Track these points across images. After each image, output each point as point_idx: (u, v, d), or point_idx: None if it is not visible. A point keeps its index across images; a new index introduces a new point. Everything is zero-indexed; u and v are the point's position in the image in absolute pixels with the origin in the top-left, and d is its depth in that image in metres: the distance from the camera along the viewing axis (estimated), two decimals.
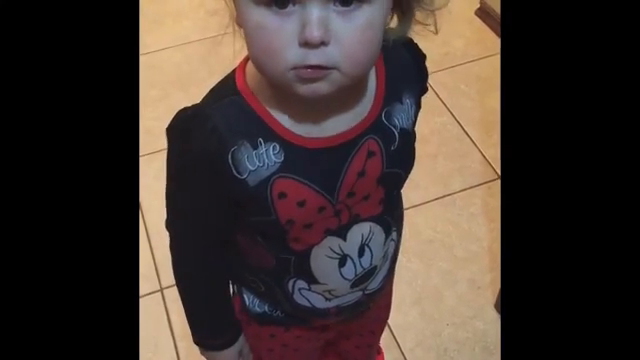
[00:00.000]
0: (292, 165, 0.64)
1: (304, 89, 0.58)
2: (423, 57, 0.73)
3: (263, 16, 0.56)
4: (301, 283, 0.75)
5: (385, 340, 1.07)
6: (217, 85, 0.68)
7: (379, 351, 1.15)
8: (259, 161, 0.64)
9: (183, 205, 0.71)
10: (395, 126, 0.68)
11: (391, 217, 0.75)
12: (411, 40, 0.71)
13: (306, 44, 0.55)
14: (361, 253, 0.73)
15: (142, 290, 1.45)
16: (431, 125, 1.77)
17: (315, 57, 0.56)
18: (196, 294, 0.80)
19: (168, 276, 1.47)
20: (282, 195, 0.65)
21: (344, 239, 0.71)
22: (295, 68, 0.56)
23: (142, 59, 2.00)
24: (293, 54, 0.56)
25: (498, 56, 1.85)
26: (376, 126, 0.67)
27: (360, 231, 0.72)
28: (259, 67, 0.60)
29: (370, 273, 0.76)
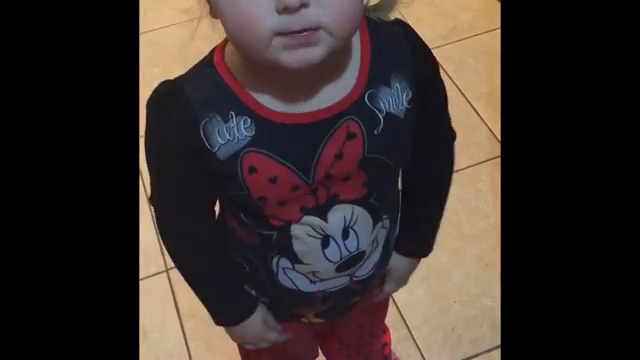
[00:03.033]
0: (263, 140, 0.63)
1: (293, 59, 0.56)
2: (418, 42, 0.70)
3: None
4: (285, 262, 0.74)
5: (392, 318, 1.07)
6: (198, 62, 0.68)
7: (385, 330, 1.15)
8: (229, 134, 0.63)
9: (161, 178, 0.72)
10: (380, 110, 0.66)
11: (379, 202, 0.73)
12: (407, 24, 0.70)
13: (285, 9, 0.53)
14: (345, 235, 0.72)
15: (148, 271, 1.45)
16: None
17: (296, 22, 0.54)
18: (195, 268, 0.79)
19: None
20: (252, 170, 0.64)
21: (325, 220, 0.70)
22: (279, 34, 0.55)
23: (144, 37, 1.99)
24: (272, 22, 0.54)
25: None
26: (357, 107, 0.65)
27: (342, 213, 0.70)
28: (240, 46, 0.59)
29: (357, 258, 0.75)
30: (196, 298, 1.40)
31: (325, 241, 0.71)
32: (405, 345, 1.32)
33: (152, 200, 0.76)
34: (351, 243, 0.73)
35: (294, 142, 0.64)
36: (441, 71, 1.48)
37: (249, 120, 0.63)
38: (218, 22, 0.60)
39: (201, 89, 0.64)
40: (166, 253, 1.55)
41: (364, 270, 0.77)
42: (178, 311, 1.40)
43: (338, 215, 0.70)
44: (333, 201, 0.69)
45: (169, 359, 1.34)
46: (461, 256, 1.45)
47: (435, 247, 1.45)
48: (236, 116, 0.63)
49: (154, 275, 1.46)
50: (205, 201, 0.75)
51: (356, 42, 0.66)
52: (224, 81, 0.64)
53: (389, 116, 0.66)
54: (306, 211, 0.69)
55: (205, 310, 1.38)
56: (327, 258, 0.73)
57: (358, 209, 0.71)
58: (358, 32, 0.65)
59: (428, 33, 1.98)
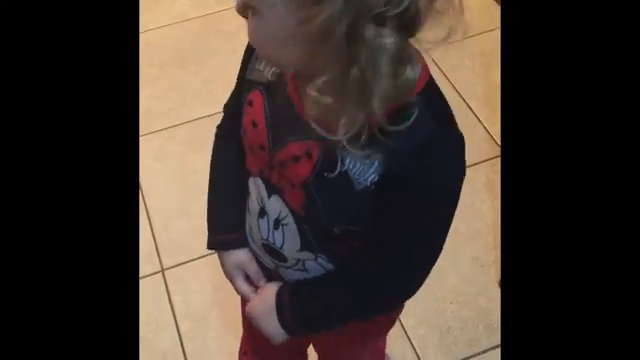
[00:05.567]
0: (272, 93, 0.70)
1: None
2: (433, 161, 0.63)
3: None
4: (244, 203, 0.80)
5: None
6: None
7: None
8: (264, 66, 0.71)
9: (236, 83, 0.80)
10: (343, 162, 0.64)
11: (315, 239, 0.72)
12: (453, 141, 0.66)
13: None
14: (276, 226, 0.75)
15: (143, 271, 1.45)
16: None
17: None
18: (216, 172, 0.85)
19: (169, 257, 1.48)
20: (250, 103, 0.72)
21: (268, 196, 0.74)
22: None
23: (140, 37, 1.98)
24: None
25: None
26: (330, 142, 0.61)
27: (279, 207, 0.73)
28: None
29: (280, 257, 0.77)
30: (191, 298, 1.41)
31: (261, 213, 0.76)
32: (401, 346, 1.32)
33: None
34: (277, 237, 0.76)
35: (285, 118, 0.68)
36: (438, 71, 1.44)
37: (277, 72, 0.69)
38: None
39: None
40: (162, 253, 1.56)
41: (288, 275, 0.78)
42: (173, 311, 1.40)
43: (276, 205, 0.74)
44: (278, 192, 0.73)
45: None
46: (457, 257, 1.45)
47: None
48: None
49: (149, 275, 1.45)
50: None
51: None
52: None
53: (344, 176, 0.64)
54: (260, 175, 0.74)
55: (200, 311, 1.38)
56: (259, 227, 0.77)
57: (290, 219, 0.73)
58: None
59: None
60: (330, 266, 0.76)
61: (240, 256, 0.82)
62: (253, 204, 0.77)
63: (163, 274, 1.46)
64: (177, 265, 1.46)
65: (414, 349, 1.32)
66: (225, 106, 0.84)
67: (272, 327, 0.77)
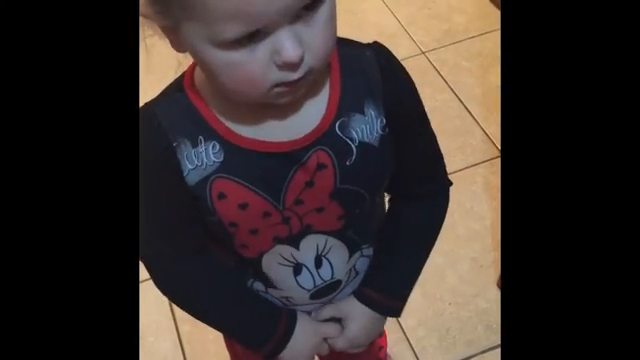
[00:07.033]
0: (232, 166, 0.63)
1: (285, 100, 0.58)
2: (391, 64, 0.67)
3: (231, 54, 0.54)
4: (259, 285, 0.74)
5: (387, 320, 1.06)
6: (168, 85, 0.67)
7: (381, 333, 1.14)
8: (198, 160, 0.62)
9: (149, 214, 0.67)
10: (352, 139, 0.64)
11: (358, 235, 0.72)
12: (381, 46, 0.67)
13: (286, 66, 0.54)
14: (318, 264, 0.71)
15: (143, 275, 1.44)
16: (432, 102, 1.75)
17: (295, 74, 0.55)
18: (209, 309, 0.74)
19: None
20: (222, 196, 0.64)
21: (297, 248, 0.69)
22: (277, 85, 0.56)
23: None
24: (273, 77, 0.55)
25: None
26: (328, 137, 0.63)
27: (315, 241, 0.69)
28: (236, 96, 0.59)
29: (333, 287, 0.74)
30: None
31: (297, 269, 0.71)
32: (400, 347, 1.32)
33: (143, 251, 0.70)
34: (325, 272, 0.72)
35: (264, 169, 0.63)
36: (436, 74, 1.46)
37: (218, 145, 0.62)
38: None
39: (171, 114, 0.63)
40: None
41: (342, 297, 0.77)
42: (173, 314, 1.40)
43: (310, 243, 0.70)
44: (307, 231, 0.68)
45: None
46: (456, 258, 1.46)
47: None
48: (205, 141, 0.62)
49: (149, 279, 1.45)
50: (198, 232, 0.70)
51: (325, 69, 0.64)
52: (193, 106, 0.63)
53: (363, 145, 0.64)
54: (278, 241, 0.68)
55: None
56: (300, 285, 0.73)
57: (332, 240, 0.70)
58: None
59: (423, 36, 1.99)
60: (369, 250, 0.75)
61: (306, 327, 0.76)
62: (281, 275, 0.71)
63: None
64: None
65: (413, 350, 1.32)
66: (169, 244, 0.71)
67: (378, 328, 0.80)
